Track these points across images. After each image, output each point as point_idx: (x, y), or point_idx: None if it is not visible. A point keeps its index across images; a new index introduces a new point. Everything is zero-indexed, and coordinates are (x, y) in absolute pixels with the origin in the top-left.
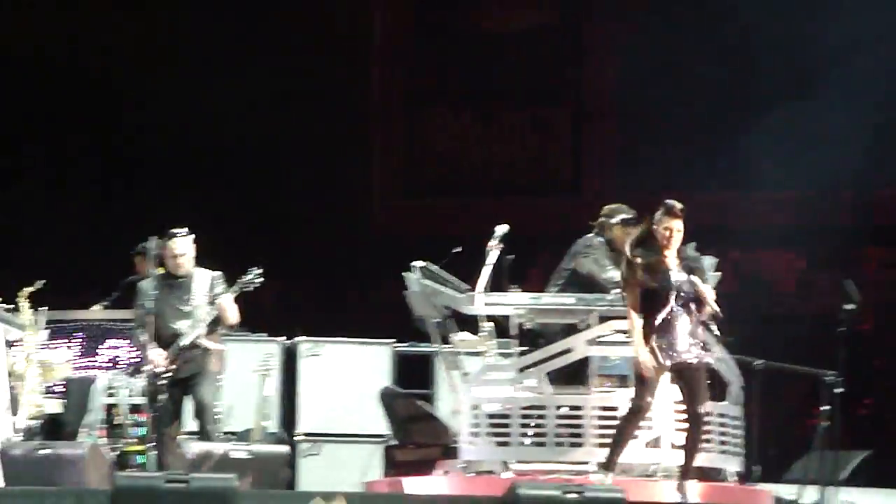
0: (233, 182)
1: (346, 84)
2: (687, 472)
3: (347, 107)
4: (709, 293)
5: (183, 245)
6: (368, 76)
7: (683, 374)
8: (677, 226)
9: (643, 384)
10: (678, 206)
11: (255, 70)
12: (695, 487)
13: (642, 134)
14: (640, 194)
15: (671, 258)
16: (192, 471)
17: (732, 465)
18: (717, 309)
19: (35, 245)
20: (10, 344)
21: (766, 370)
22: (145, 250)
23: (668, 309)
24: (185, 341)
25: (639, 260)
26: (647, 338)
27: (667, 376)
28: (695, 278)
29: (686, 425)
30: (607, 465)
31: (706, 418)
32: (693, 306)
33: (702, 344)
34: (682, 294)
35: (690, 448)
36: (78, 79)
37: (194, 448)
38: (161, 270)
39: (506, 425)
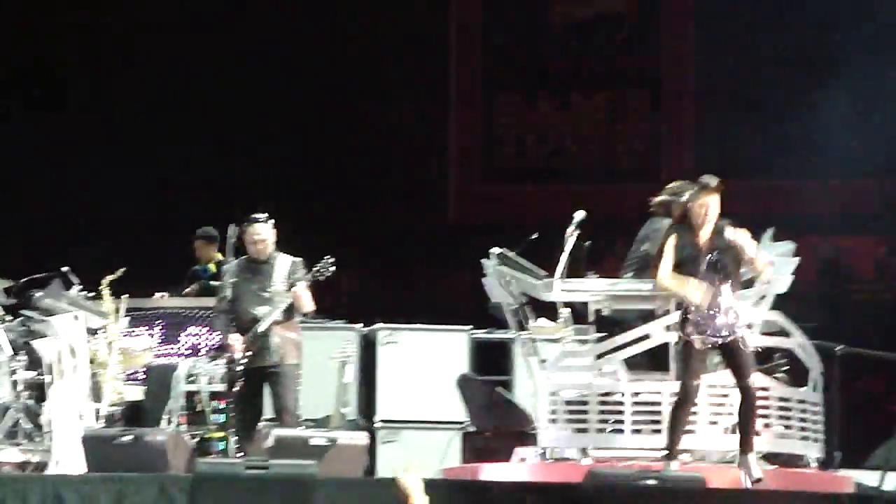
0: (311, 169)
1: (423, 72)
2: (747, 448)
3: (425, 94)
4: (749, 247)
5: (264, 230)
6: (446, 64)
7: (725, 351)
8: (713, 202)
9: (687, 368)
10: (714, 182)
11: (334, 58)
12: (759, 464)
13: (720, 118)
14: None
15: (706, 234)
16: (271, 457)
17: (813, 452)
18: (759, 260)
19: (115, 233)
20: (92, 332)
21: (846, 356)
22: (206, 235)
23: (703, 281)
24: (262, 327)
25: (675, 235)
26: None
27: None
28: (732, 235)
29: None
30: (668, 454)
31: (758, 391)
32: (729, 281)
33: (738, 318)
34: (718, 269)
35: (745, 423)
36: (163, 68)
37: (274, 434)
38: (220, 257)
39: (584, 412)
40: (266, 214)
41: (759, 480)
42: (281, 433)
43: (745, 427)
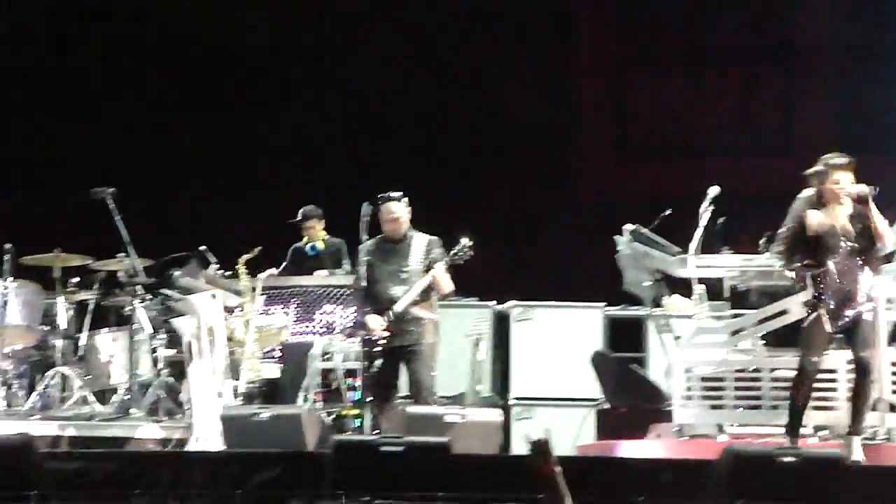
0: (445, 149)
1: (555, 49)
2: (856, 428)
3: (557, 72)
4: (881, 223)
5: (398, 208)
6: (578, 41)
7: (851, 324)
8: (845, 180)
9: (811, 346)
10: (845, 160)
11: (466, 36)
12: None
13: (856, 92)
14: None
15: (841, 214)
16: (407, 434)
17: None
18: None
19: (249, 213)
20: (229, 310)
21: None
22: (317, 214)
23: (838, 261)
24: (400, 307)
25: (806, 214)
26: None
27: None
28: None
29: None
30: (790, 432)
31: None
32: (866, 260)
33: (871, 299)
34: (855, 250)
35: (857, 400)
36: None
37: (409, 411)
38: (326, 235)
39: (720, 388)
40: (400, 193)
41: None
42: (415, 410)
43: (857, 404)
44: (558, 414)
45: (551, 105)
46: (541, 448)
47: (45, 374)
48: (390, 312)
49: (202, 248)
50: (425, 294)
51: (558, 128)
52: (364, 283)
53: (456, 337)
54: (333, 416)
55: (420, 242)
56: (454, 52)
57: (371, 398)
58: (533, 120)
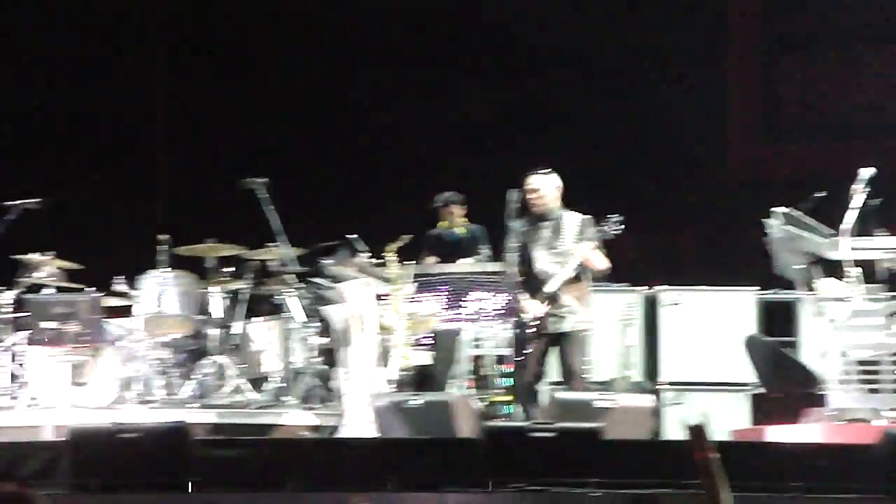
0: (592, 130)
1: (702, 31)
2: None
3: (704, 53)
4: None
5: (537, 180)
6: (725, 22)
7: None
8: None
9: None
10: None
11: (613, 26)
12: None
13: None
14: None
15: None
16: (557, 420)
17: None
18: None
19: (399, 201)
20: (379, 298)
21: None
22: (460, 199)
23: None
24: (551, 287)
25: None
26: None
27: None
28: None
29: None
30: None
31: None
32: None
33: None
34: None
35: None
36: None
37: (560, 397)
38: (465, 222)
39: (876, 372)
40: (549, 169)
41: None
42: (565, 395)
43: None
44: (711, 398)
45: (699, 88)
46: (697, 433)
47: (201, 363)
48: (542, 293)
49: (352, 236)
50: (578, 277)
51: (706, 110)
52: (516, 265)
53: (606, 322)
54: (485, 402)
55: (572, 221)
56: (603, 39)
57: (521, 384)
58: (681, 103)
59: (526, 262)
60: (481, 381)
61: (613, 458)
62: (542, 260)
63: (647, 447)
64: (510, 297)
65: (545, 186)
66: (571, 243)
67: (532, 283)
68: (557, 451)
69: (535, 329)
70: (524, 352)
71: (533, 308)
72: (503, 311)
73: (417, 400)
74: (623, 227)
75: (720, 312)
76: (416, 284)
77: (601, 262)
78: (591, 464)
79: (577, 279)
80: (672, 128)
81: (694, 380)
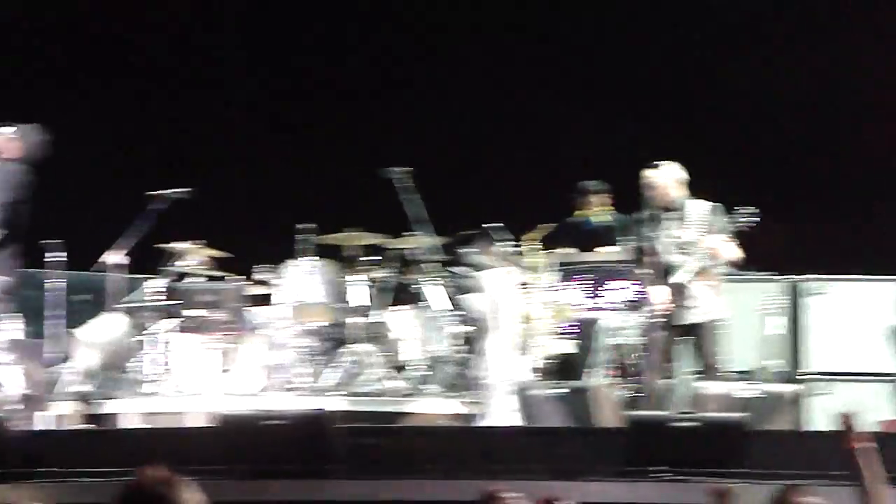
0: (736, 118)
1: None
2: None
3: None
4: None
5: (653, 175)
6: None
7: None
8: None
9: None
10: None
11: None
12: None
13: None
14: None
15: None
16: (699, 410)
17: None
18: None
19: (540, 189)
20: (521, 286)
21: None
22: (590, 189)
23: None
24: (680, 277)
25: None
26: None
27: None
28: None
29: None
30: None
31: None
32: None
33: None
34: None
35: None
36: None
37: (701, 388)
38: (607, 210)
39: None
40: (665, 162)
41: None
42: (706, 385)
43: None
44: (856, 389)
45: (838, 73)
46: (847, 423)
47: (344, 351)
48: (671, 283)
49: (493, 224)
50: (707, 265)
51: (853, 98)
52: (644, 256)
53: (746, 312)
54: (627, 391)
55: (698, 209)
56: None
57: (656, 374)
58: (822, 89)
59: (652, 253)
60: (624, 370)
61: (758, 449)
62: (668, 251)
63: (793, 438)
64: (640, 289)
65: (661, 179)
66: (698, 232)
67: (659, 274)
68: (701, 442)
69: (663, 320)
70: (658, 341)
71: (661, 298)
72: (633, 303)
73: (559, 389)
74: (757, 219)
75: (866, 301)
76: (557, 273)
77: (731, 253)
78: (736, 454)
79: (707, 269)
80: (815, 115)
81: (839, 370)
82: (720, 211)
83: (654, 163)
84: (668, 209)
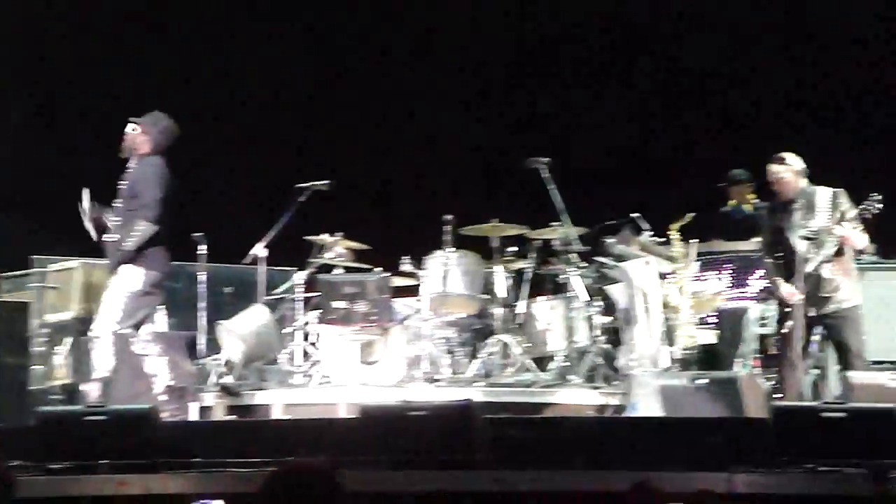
0: (855, 105)
1: None
2: None
3: None
4: None
5: (775, 170)
6: None
7: None
8: None
9: None
10: None
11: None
12: None
13: None
14: None
15: None
16: (848, 400)
17: None
18: None
19: (681, 179)
20: (663, 277)
21: None
22: (736, 178)
23: None
24: (809, 266)
25: None
26: None
27: None
28: None
29: None
30: None
31: None
32: None
33: None
34: None
35: None
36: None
37: (849, 377)
38: (753, 199)
39: None
40: (788, 154)
41: None
42: (855, 375)
43: None
44: None
45: None
46: None
47: (486, 342)
48: (801, 273)
49: (636, 214)
50: (839, 253)
51: None
52: (771, 247)
53: (888, 299)
54: (772, 381)
55: (823, 197)
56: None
57: (789, 365)
58: None
59: (781, 244)
60: (768, 360)
61: None
62: (797, 241)
63: None
64: (769, 282)
65: (783, 173)
66: (826, 219)
67: (789, 265)
68: (850, 432)
69: (796, 311)
70: (791, 332)
71: (790, 292)
72: (764, 291)
73: (704, 379)
74: (881, 205)
75: None
76: (700, 263)
77: (861, 240)
78: (886, 445)
79: (839, 255)
80: None
81: None
82: (843, 194)
83: (779, 155)
84: (793, 200)
